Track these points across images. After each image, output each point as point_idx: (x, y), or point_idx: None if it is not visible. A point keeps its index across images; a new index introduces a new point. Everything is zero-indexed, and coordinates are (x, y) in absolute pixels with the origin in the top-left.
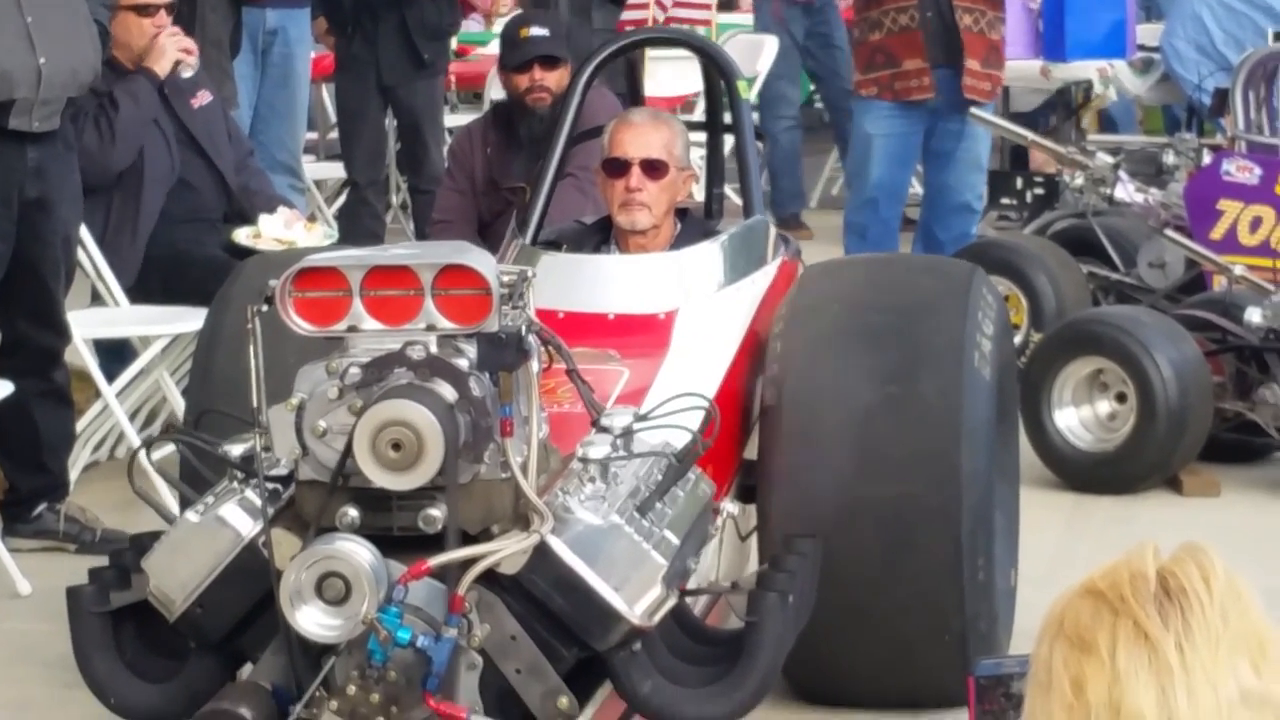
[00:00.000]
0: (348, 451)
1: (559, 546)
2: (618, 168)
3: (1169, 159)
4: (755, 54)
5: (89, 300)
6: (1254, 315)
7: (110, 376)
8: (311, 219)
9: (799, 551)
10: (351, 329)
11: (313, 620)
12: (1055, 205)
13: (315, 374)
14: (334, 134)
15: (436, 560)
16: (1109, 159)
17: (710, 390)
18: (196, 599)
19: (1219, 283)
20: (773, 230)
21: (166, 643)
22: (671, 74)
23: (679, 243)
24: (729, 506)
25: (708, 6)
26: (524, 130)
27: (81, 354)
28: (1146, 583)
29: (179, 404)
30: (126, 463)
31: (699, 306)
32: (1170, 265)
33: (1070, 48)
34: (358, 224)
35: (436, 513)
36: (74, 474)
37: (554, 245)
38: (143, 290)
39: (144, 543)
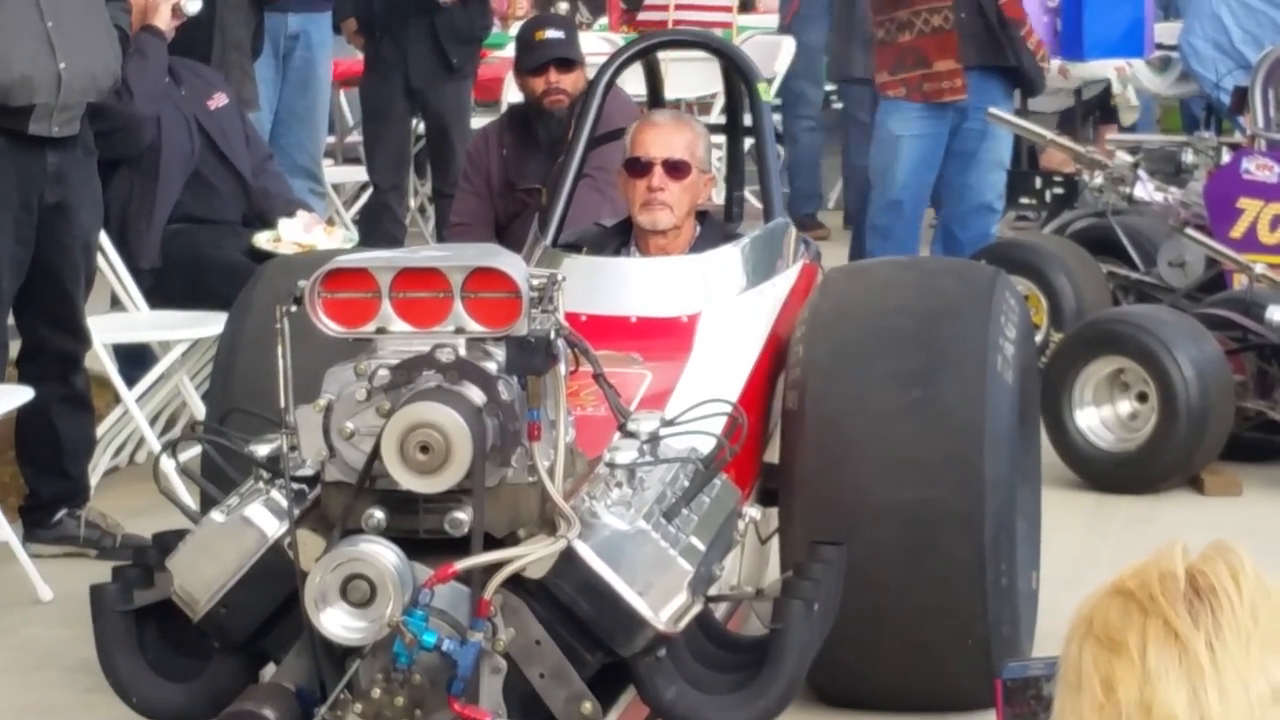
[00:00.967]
0: (375, 453)
1: (585, 551)
2: (640, 168)
3: (1188, 158)
4: (773, 55)
5: (109, 305)
6: (1275, 313)
7: (130, 382)
8: (330, 223)
9: (824, 559)
10: (380, 331)
11: (337, 622)
12: (1075, 205)
13: (343, 375)
14: (351, 137)
15: (462, 564)
16: (1128, 158)
17: (733, 394)
18: (221, 599)
19: (1239, 281)
20: (793, 233)
21: (190, 642)
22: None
23: (699, 245)
24: (751, 511)
25: (728, 9)
26: (542, 132)
27: (101, 359)
28: (1176, 582)
29: (199, 409)
30: (146, 467)
31: (721, 309)
32: (1190, 264)
33: (1088, 47)
34: (378, 228)
35: (463, 516)
36: (94, 479)
37: (574, 248)
38: (163, 294)
39: (168, 541)
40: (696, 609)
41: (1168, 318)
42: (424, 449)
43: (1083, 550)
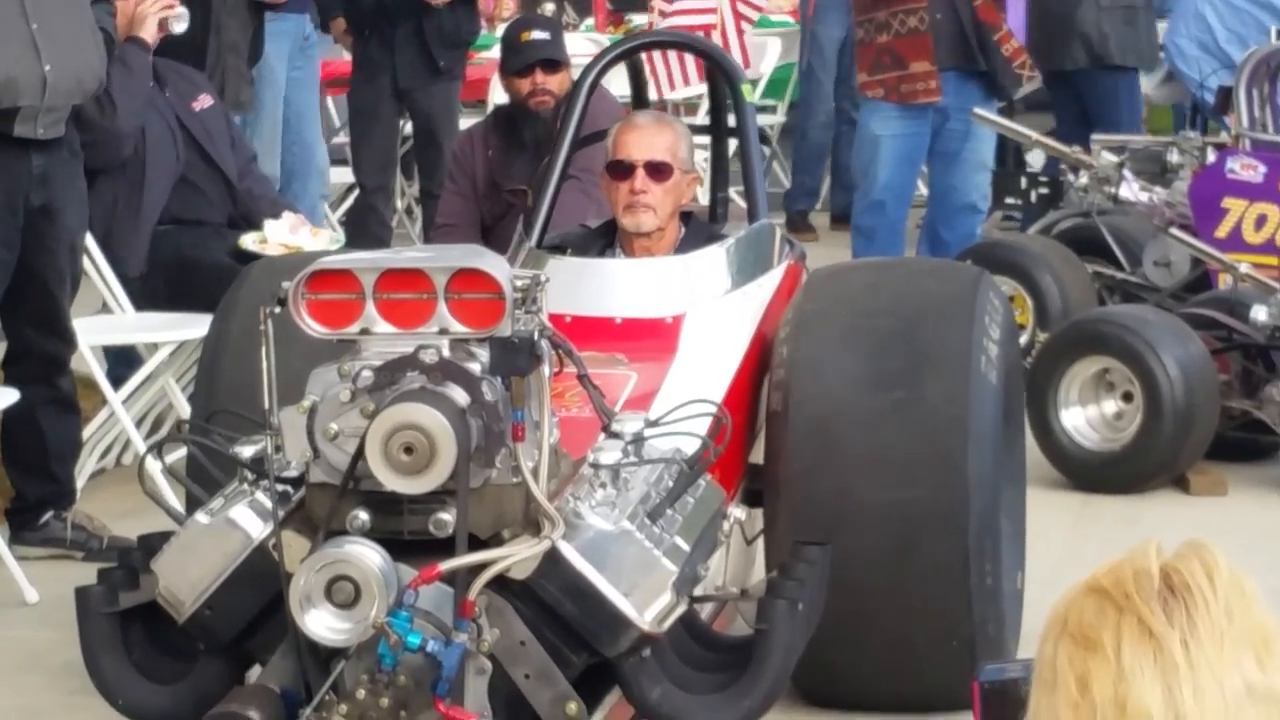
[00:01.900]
0: (359, 454)
1: (569, 552)
2: (622, 170)
3: (1173, 157)
4: (759, 56)
5: (96, 307)
6: (1260, 313)
7: (118, 381)
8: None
9: (808, 559)
10: (364, 332)
11: (322, 624)
12: (1060, 205)
13: (327, 376)
14: (337, 139)
15: (447, 565)
16: (1113, 158)
17: (718, 395)
18: (206, 601)
19: (1224, 281)
20: (779, 234)
21: (175, 644)
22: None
23: (683, 246)
24: (736, 512)
25: (711, 10)
26: (527, 133)
27: (87, 361)
28: (1150, 579)
29: (185, 410)
30: (132, 470)
31: (706, 310)
32: (1175, 264)
33: None
34: (363, 229)
35: (447, 517)
36: (80, 481)
37: (559, 249)
38: (148, 296)
39: (153, 543)
40: (681, 609)
41: (1153, 317)
42: (408, 450)
43: (1068, 550)
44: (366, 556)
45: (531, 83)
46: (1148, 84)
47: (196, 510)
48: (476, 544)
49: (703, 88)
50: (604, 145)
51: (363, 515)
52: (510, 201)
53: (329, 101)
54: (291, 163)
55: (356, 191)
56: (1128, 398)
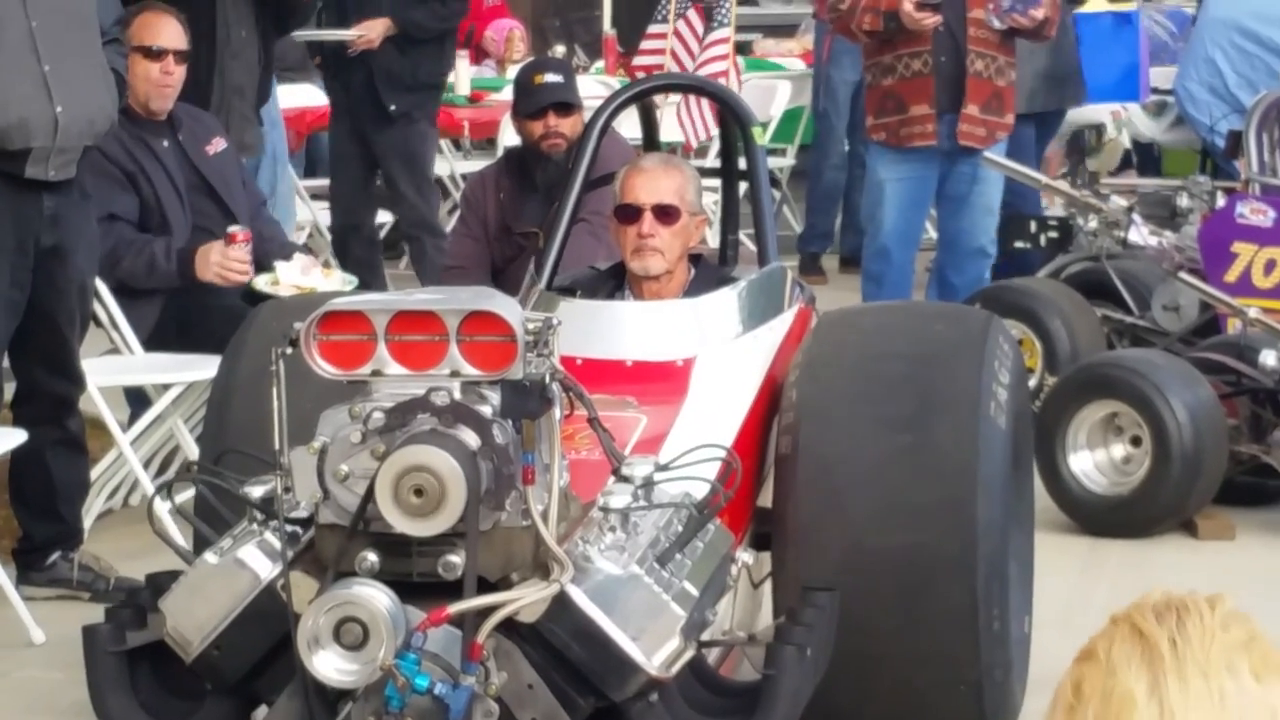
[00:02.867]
0: (369, 496)
1: (578, 596)
2: (630, 214)
3: (1183, 202)
4: (769, 99)
5: (105, 347)
6: (1269, 358)
7: (130, 421)
8: (326, 265)
9: (816, 604)
10: (375, 373)
11: (330, 665)
12: (1069, 249)
13: (338, 418)
14: None
15: (455, 607)
16: (1122, 202)
17: (727, 438)
18: (214, 641)
19: (1233, 325)
20: (789, 277)
21: (182, 684)
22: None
23: (693, 289)
24: (744, 556)
25: (725, 57)
26: (539, 176)
27: (96, 402)
28: (1150, 598)
29: (193, 451)
30: (140, 511)
31: (717, 354)
32: (1184, 308)
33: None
34: (342, 266)
35: (456, 559)
36: (88, 522)
37: (569, 291)
38: (158, 337)
39: (161, 582)
40: (689, 654)
41: (1161, 362)
42: (418, 492)
43: (1076, 594)
44: (375, 598)
45: (544, 125)
46: (1156, 128)
47: (205, 550)
48: (485, 587)
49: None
50: (612, 188)
51: (372, 557)
52: (522, 244)
53: None
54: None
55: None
56: (1136, 442)
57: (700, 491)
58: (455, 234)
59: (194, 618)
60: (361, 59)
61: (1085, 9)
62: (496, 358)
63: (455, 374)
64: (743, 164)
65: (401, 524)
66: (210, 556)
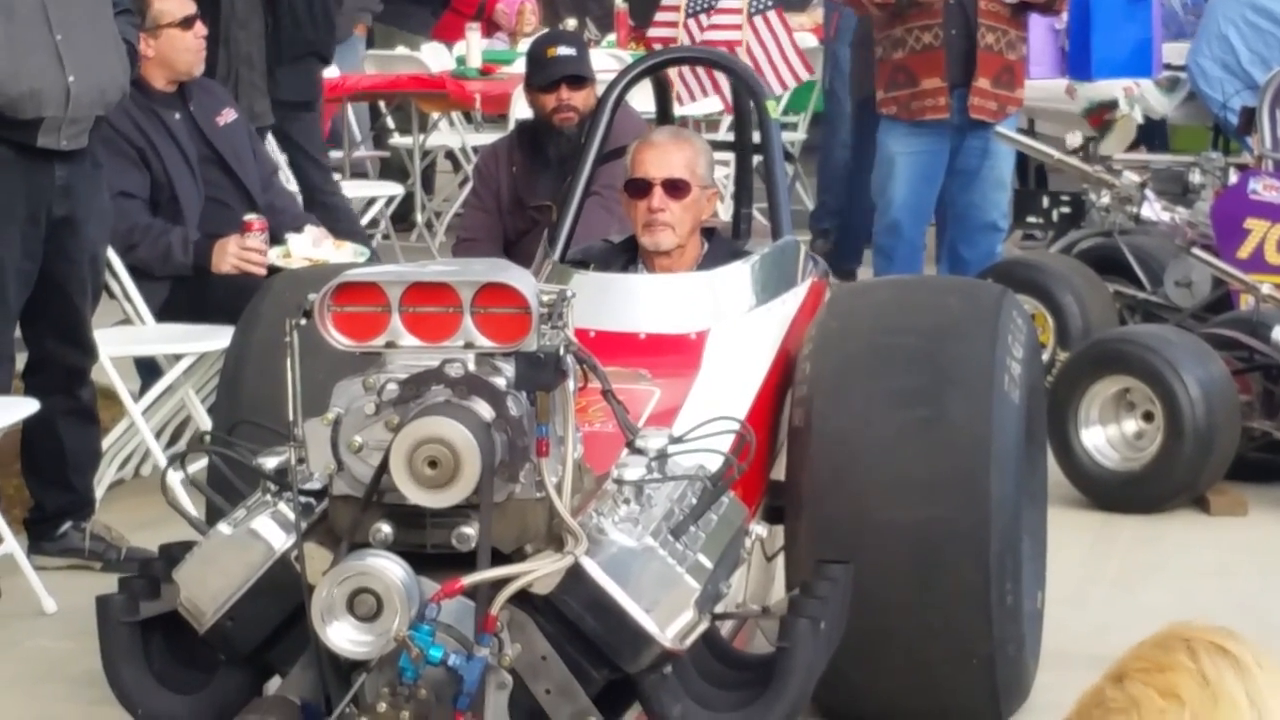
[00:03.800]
0: (383, 467)
1: (592, 568)
2: (640, 188)
3: (1195, 178)
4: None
5: (117, 318)
6: None
7: (141, 391)
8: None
9: (830, 577)
10: (389, 345)
11: (344, 636)
12: (1081, 224)
13: (352, 389)
14: (359, 153)
15: (469, 579)
16: (1135, 178)
17: (741, 411)
18: (227, 611)
19: (1246, 301)
20: (803, 250)
21: (195, 654)
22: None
23: (706, 262)
24: (757, 529)
25: (737, 27)
26: (551, 149)
27: (108, 372)
28: (1180, 629)
29: (205, 422)
30: (152, 480)
31: (730, 327)
32: (1197, 284)
33: (1096, 67)
34: None
35: (470, 531)
36: (100, 492)
37: (582, 264)
38: (170, 308)
39: (174, 553)
40: (703, 626)
41: (1174, 337)
42: (432, 464)
43: (1088, 569)
44: (389, 570)
45: (557, 98)
46: (1168, 104)
47: (219, 521)
48: (499, 558)
49: (720, 103)
50: (624, 162)
51: (385, 528)
52: (535, 218)
53: (349, 112)
54: None
55: (374, 204)
56: (1148, 417)
57: (714, 464)
58: (468, 206)
59: (208, 588)
60: None
61: None
62: (511, 330)
63: (469, 346)
64: (757, 137)
65: (416, 495)
66: (224, 527)
